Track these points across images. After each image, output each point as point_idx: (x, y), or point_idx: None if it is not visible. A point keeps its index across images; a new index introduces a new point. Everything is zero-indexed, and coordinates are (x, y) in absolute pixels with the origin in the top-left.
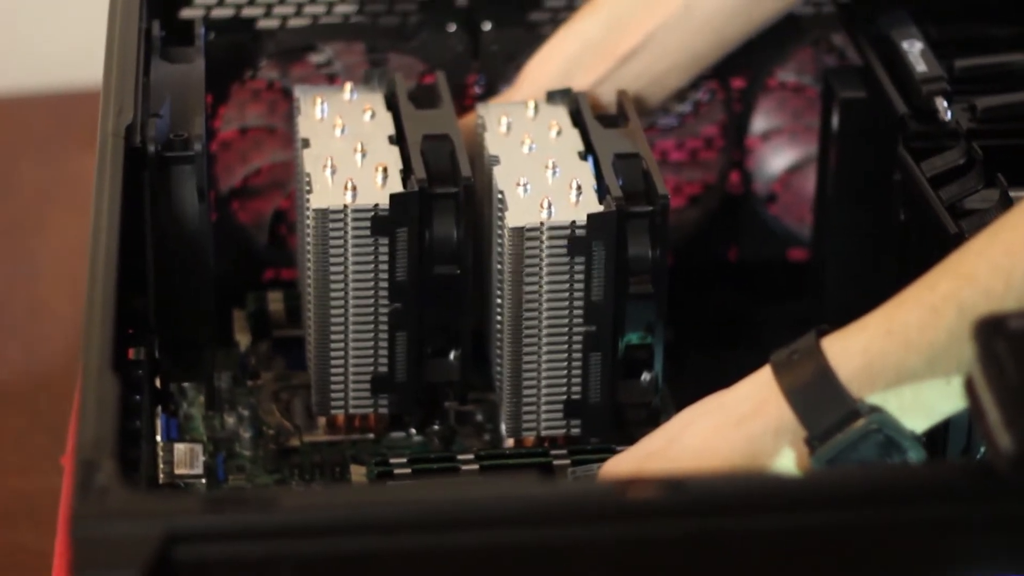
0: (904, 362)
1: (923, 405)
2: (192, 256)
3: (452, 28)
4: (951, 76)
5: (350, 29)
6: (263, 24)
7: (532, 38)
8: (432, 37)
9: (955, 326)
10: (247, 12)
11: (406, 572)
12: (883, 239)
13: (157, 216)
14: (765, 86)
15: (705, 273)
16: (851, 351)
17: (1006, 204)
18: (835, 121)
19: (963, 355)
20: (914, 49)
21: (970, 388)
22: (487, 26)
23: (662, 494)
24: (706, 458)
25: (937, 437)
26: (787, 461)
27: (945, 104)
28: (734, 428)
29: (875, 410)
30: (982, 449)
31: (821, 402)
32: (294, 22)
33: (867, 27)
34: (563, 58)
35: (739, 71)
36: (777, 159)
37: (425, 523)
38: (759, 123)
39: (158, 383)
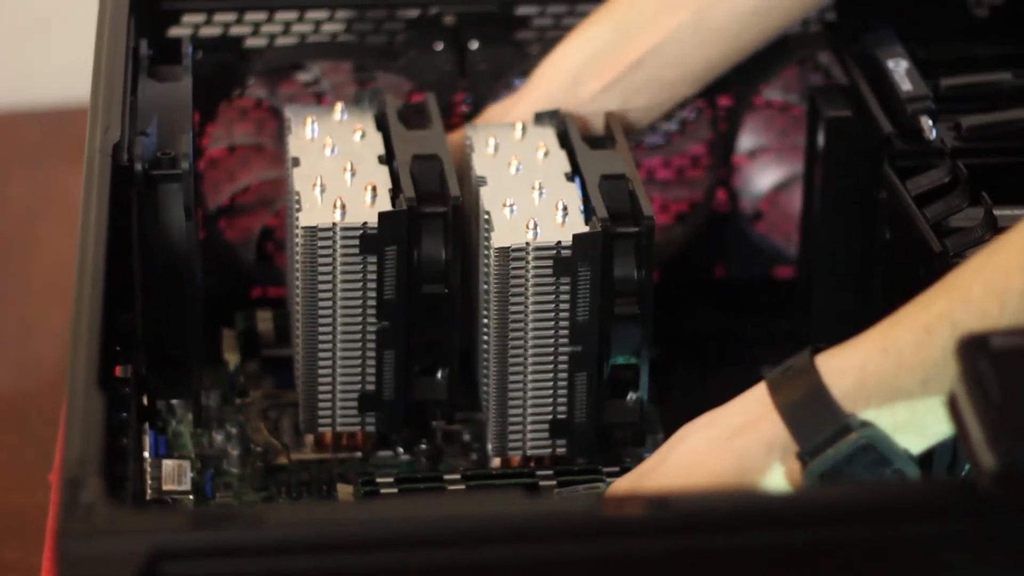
0: (898, 381)
1: (917, 424)
2: (179, 274)
3: (439, 47)
4: (936, 95)
5: (338, 48)
6: (251, 43)
7: (519, 56)
8: (419, 56)
9: (949, 346)
10: (235, 31)
11: None
12: (869, 257)
13: (144, 234)
14: (751, 104)
15: (691, 290)
16: (845, 368)
17: (990, 222)
18: (821, 139)
19: None
20: (899, 68)
21: (953, 406)
22: (474, 45)
23: (647, 512)
24: (697, 472)
25: (923, 454)
26: (778, 476)
27: (930, 123)
28: (726, 442)
29: (867, 426)
30: (967, 467)
31: (814, 417)
32: (282, 41)
33: (853, 46)
34: (572, 65)
35: (725, 89)
36: (763, 177)
37: (411, 540)
38: (745, 141)
39: (145, 400)
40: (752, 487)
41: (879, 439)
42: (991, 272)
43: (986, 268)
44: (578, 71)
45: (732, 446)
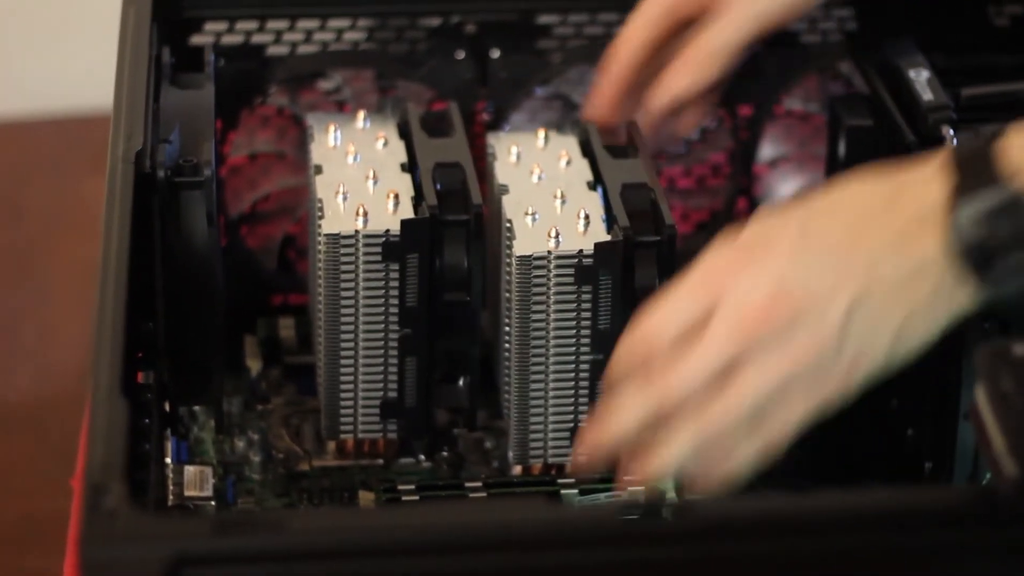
0: None
1: None
2: (201, 280)
3: (461, 55)
4: (957, 104)
5: (359, 56)
6: (273, 51)
7: (540, 65)
8: (441, 64)
9: None
10: (257, 39)
11: None
12: None
13: (166, 241)
14: (772, 114)
15: None
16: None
17: None
18: (841, 149)
19: None
20: (920, 77)
21: (975, 415)
22: (495, 53)
23: (670, 520)
24: (854, 198)
25: (943, 464)
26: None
27: (951, 132)
28: (892, 178)
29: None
30: (987, 475)
31: (979, 171)
32: (304, 49)
33: (874, 55)
34: None
35: (746, 99)
36: (784, 186)
37: (433, 547)
38: (766, 150)
39: (167, 406)
40: (904, 216)
41: None
42: None
43: None
44: None
45: (895, 179)
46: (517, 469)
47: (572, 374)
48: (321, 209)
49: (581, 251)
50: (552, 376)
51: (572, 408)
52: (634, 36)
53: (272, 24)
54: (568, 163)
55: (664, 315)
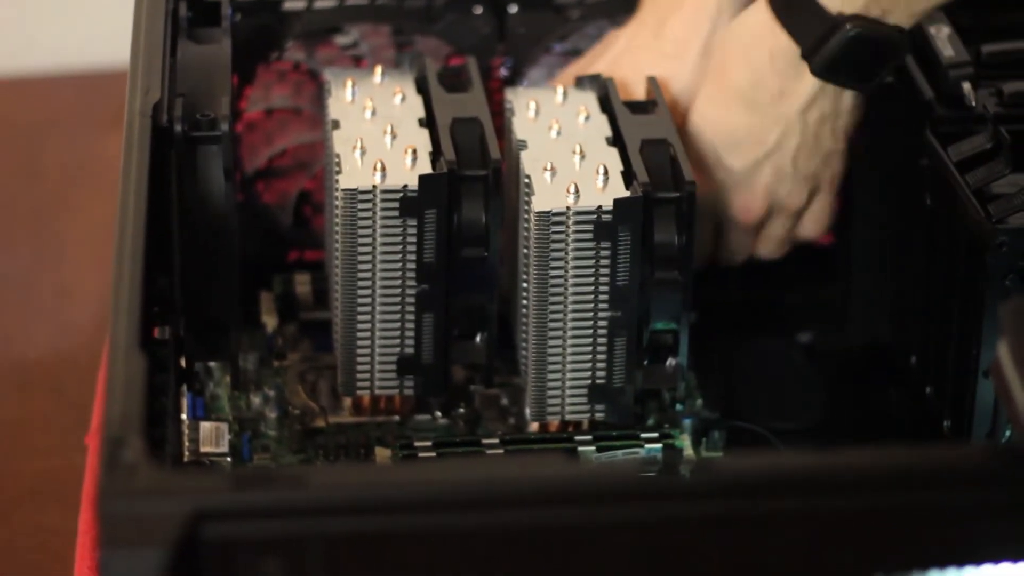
0: None
1: (905, 5)
2: (218, 236)
3: (478, 11)
4: (978, 61)
5: (376, 11)
6: (289, 5)
7: (559, 21)
8: (458, 19)
9: None
10: None
11: (435, 550)
12: (909, 224)
13: (183, 196)
14: None
15: None
16: None
17: None
18: None
19: None
20: (941, 34)
21: (997, 371)
22: (513, 8)
23: (687, 476)
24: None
25: (962, 421)
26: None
27: (972, 89)
28: (743, 55)
29: (856, 19)
30: (1007, 433)
31: (806, 19)
32: (320, 4)
33: None
34: None
35: None
36: None
37: (454, 502)
38: None
39: (183, 362)
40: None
41: (867, 27)
42: None
43: None
44: None
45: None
46: (534, 426)
47: (590, 330)
48: (339, 164)
49: (600, 207)
50: (570, 332)
51: (590, 365)
52: None
53: None
54: (587, 119)
55: None
